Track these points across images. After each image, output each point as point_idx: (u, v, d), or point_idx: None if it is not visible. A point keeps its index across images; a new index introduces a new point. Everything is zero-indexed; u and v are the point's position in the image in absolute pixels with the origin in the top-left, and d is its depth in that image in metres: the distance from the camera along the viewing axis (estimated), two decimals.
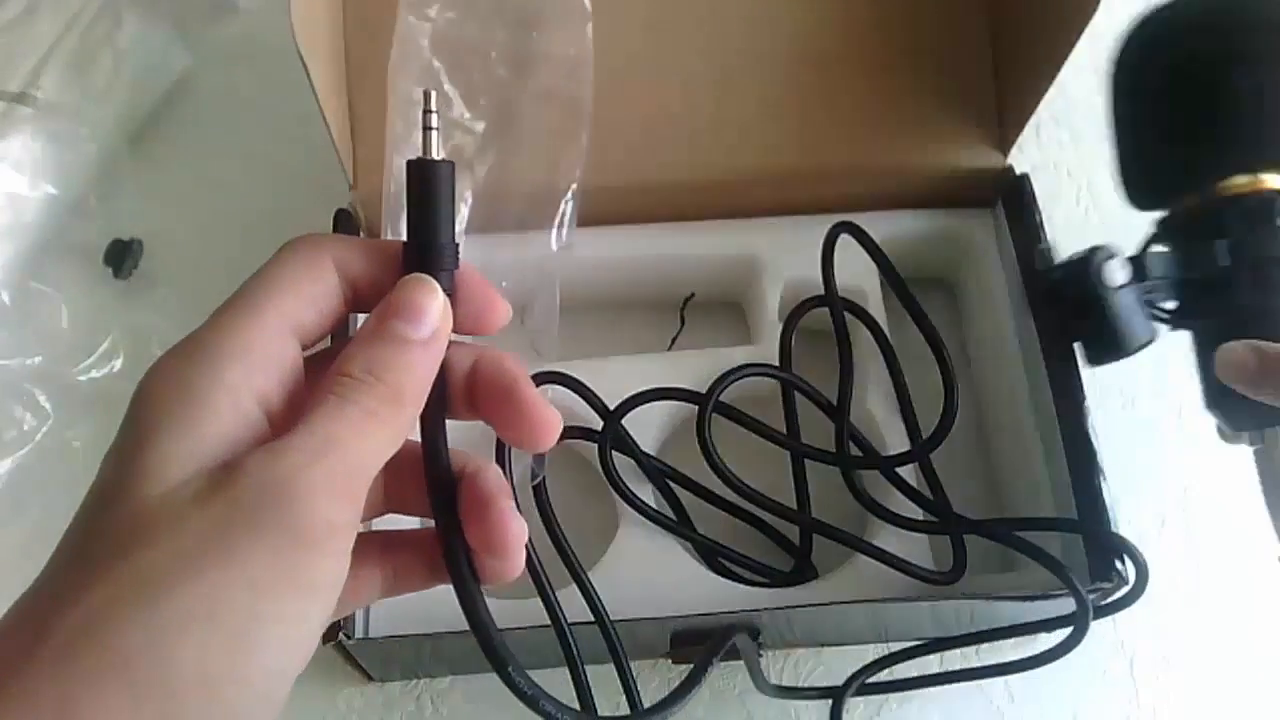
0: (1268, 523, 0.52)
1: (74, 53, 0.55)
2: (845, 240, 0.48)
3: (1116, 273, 0.41)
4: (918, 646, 0.46)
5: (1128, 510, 0.44)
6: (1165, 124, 0.43)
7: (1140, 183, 0.45)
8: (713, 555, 0.47)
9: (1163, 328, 0.44)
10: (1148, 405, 0.54)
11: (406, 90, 0.47)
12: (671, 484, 0.47)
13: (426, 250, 0.28)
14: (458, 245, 0.28)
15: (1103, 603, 0.43)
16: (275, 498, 0.23)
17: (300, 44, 0.42)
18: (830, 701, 0.46)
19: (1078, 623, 0.42)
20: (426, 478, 0.28)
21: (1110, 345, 0.43)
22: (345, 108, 0.49)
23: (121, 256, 0.56)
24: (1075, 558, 0.45)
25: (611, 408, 0.46)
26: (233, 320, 0.25)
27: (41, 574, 0.24)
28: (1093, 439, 0.45)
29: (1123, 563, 0.43)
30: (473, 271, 0.29)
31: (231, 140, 0.60)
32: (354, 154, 0.49)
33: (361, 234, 0.50)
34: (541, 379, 0.44)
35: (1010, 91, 0.51)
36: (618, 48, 0.52)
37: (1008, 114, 0.51)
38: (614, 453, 0.46)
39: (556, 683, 0.32)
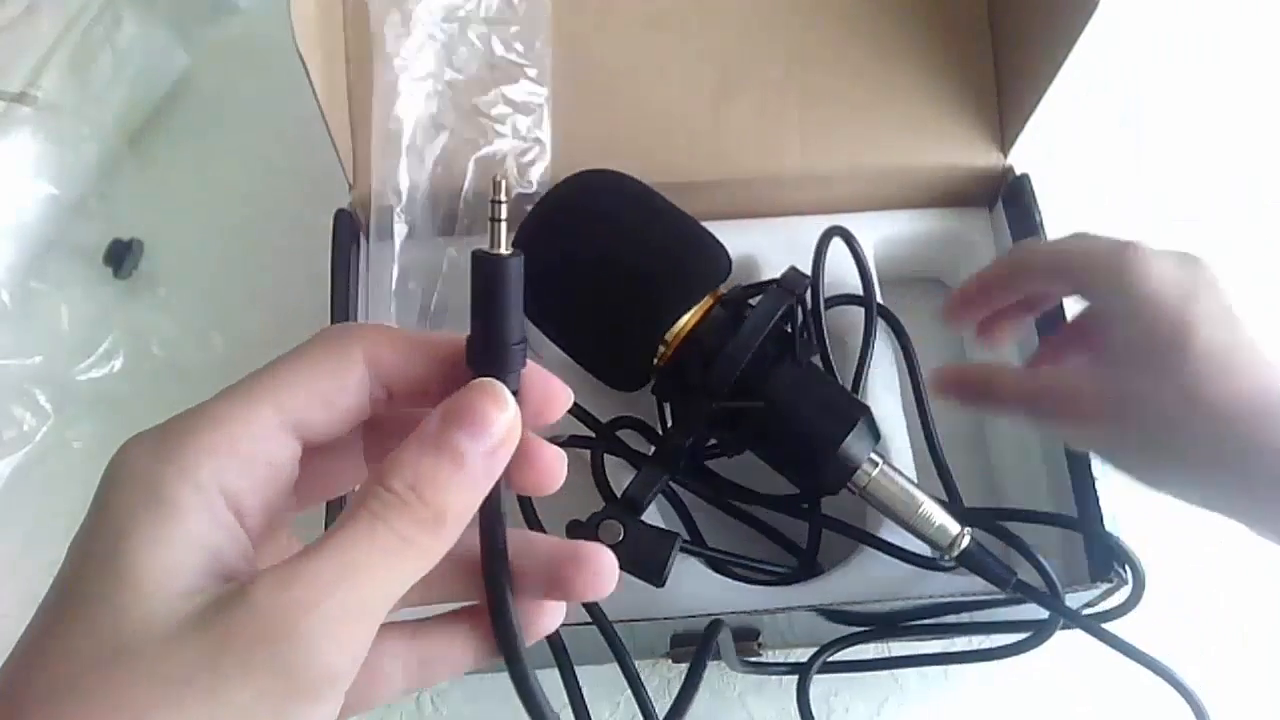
0: None
1: (74, 53, 0.55)
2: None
3: (617, 529, 0.40)
4: (868, 632, 0.46)
5: (1128, 511, 0.44)
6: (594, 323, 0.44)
7: (614, 373, 0.45)
8: (721, 564, 0.47)
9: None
10: None
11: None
12: (673, 486, 0.47)
13: (495, 351, 0.25)
14: (525, 341, 0.26)
15: (1100, 610, 0.44)
16: (274, 636, 0.21)
17: (300, 44, 0.42)
18: (797, 678, 0.46)
19: (1039, 629, 0.43)
20: (485, 571, 0.26)
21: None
22: (345, 108, 0.49)
23: (122, 256, 0.56)
24: (1075, 558, 0.45)
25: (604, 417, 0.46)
26: (220, 410, 0.23)
27: (5, 673, 0.21)
28: None
29: (1122, 568, 0.43)
30: (532, 363, 0.26)
31: (231, 140, 0.60)
32: (354, 154, 0.50)
33: (360, 233, 0.50)
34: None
35: (1010, 91, 0.51)
36: (618, 48, 0.52)
37: (1008, 114, 0.51)
38: (614, 456, 0.46)
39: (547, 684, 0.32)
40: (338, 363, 0.24)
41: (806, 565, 0.47)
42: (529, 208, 0.44)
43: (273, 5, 0.43)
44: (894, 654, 0.48)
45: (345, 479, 0.28)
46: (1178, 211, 0.59)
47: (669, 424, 0.45)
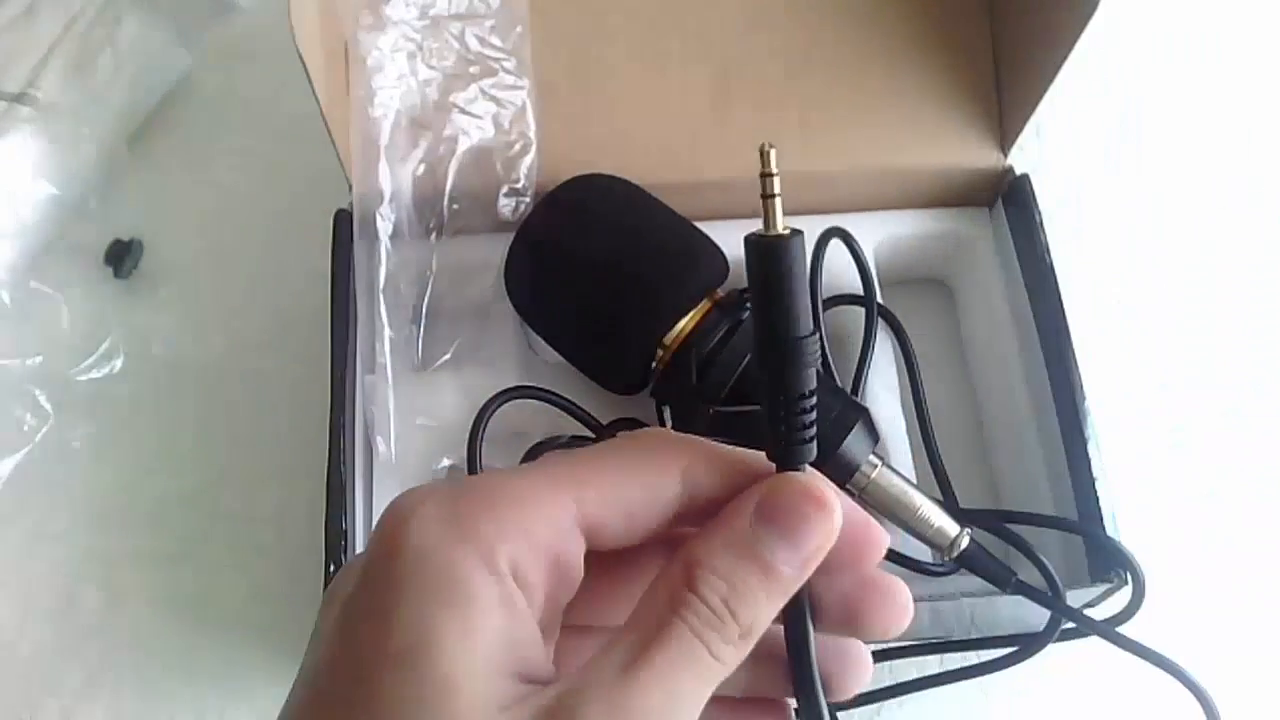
0: (1270, 523, 0.52)
1: (74, 53, 0.55)
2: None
3: None
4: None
5: (1128, 511, 0.44)
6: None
7: (613, 377, 0.45)
8: None
9: None
10: (1148, 404, 0.54)
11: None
12: None
13: (791, 433, 0.22)
14: (821, 338, 0.24)
15: (1100, 617, 0.44)
16: None
17: (300, 44, 0.42)
18: None
19: (1032, 642, 0.43)
20: (796, 682, 0.23)
21: None
22: (345, 108, 0.49)
23: (122, 256, 0.56)
24: (1075, 560, 0.45)
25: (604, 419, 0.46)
26: (519, 488, 0.21)
27: None
28: (1092, 440, 0.45)
29: (1121, 573, 0.43)
30: (839, 492, 0.22)
31: (232, 140, 0.60)
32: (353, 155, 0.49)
33: (355, 228, 0.49)
34: (521, 394, 0.44)
35: (1010, 91, 0.51)
36: (618, 48, 0.52)
37: (1008, 114, 0.51)
38: None
39: None
40: (656, 477, 0.22)
41: None
42: (519, 201, 0.44)
43: (273, 5, 0.43)
44: (895, 663, 0.48)
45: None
46: (1178, 211, 0.59)
47: (668, 426, 0.45)
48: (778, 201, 0.22)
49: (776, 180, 0.22)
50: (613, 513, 0.22)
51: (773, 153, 0.22)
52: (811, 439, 0.23)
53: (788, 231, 0.22)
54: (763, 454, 0.23)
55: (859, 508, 0.23)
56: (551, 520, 0.21)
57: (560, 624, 0.24)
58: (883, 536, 0.24)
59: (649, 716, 0.20)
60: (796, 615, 0.23)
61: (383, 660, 0.19)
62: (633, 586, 0.24)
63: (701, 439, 0.24)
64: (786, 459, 0.22)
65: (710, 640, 0.21)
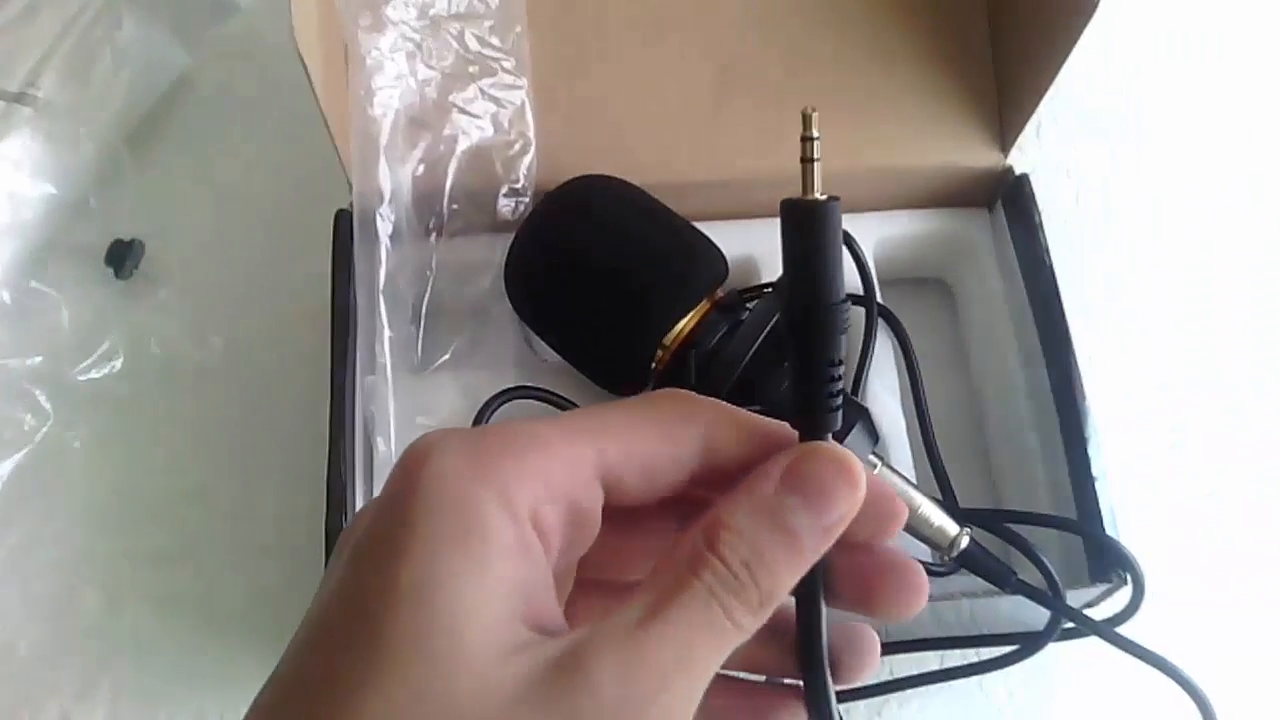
0: (1270, 523, 0.52)
1: (74, 53, 0.55)
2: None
3: None
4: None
5: (1128, 511, 0.44)
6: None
7: (612, 378, 0.45)
8: None
9: None
10: (1148, 404, 0.54)
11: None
12: None
13: (819, 400, 0.21)
14: (848, 310, 0.22)
15: (1100, 617, 0.44)
16: None
17: (300, 44, 0.42)
18: None
19: (1032, 641, 0.43)
20: (800, 655, 0.23)
21: None
22: (344, 107, 0.49)
23: (122, 257, 0.56)
24: (1075, 560, 0.45)
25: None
26: (543, 432, 0.21)
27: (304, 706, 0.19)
28: (1092, 440, 0.45)
29: (1121, 573, 0.43)
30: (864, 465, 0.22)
31: (232, 140, 0.60)
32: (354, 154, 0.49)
33: (355, 228, 0.49)
34: (521, 394, 0.44)
35: (1010, 91, 0.51)
36: (618, 47, 0.52)
37: (1008, 114, 0.51)
38: None
39: None
40: (677, 434, 0.22)
41: None
42: (518, 201, 0.44)
43: (273, 5, 0.43)
44: (896, 663, 0.48)
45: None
46: (1177, 211, 0.59)
47: None
48: (817, 166, 0.22)
49: (817, 144, 0.22)
50: (633, 467, 0.22)
51: (814, 115, 0.22)
52: (838, 408, 0.22)
53: (824, 197, 0.22)
54: (785, 423, 0.23)
55: (880, 480, 0.23)
56: (573, 469, 0.21)
57: (574, 577, 0.24)
58: (902, 509, 0.23)
59: (662, 673, 0.19)
60: (810, 589, 0.23)
61: (391, 596, 0.19)
62: (644, 545, 0.25)
63: (724, 403, 0.24)
64: (812, 427, 0.22)
65: (728, 603, 0.20)
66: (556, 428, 0.21)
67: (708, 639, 0.20)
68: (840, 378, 0.22)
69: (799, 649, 0.23)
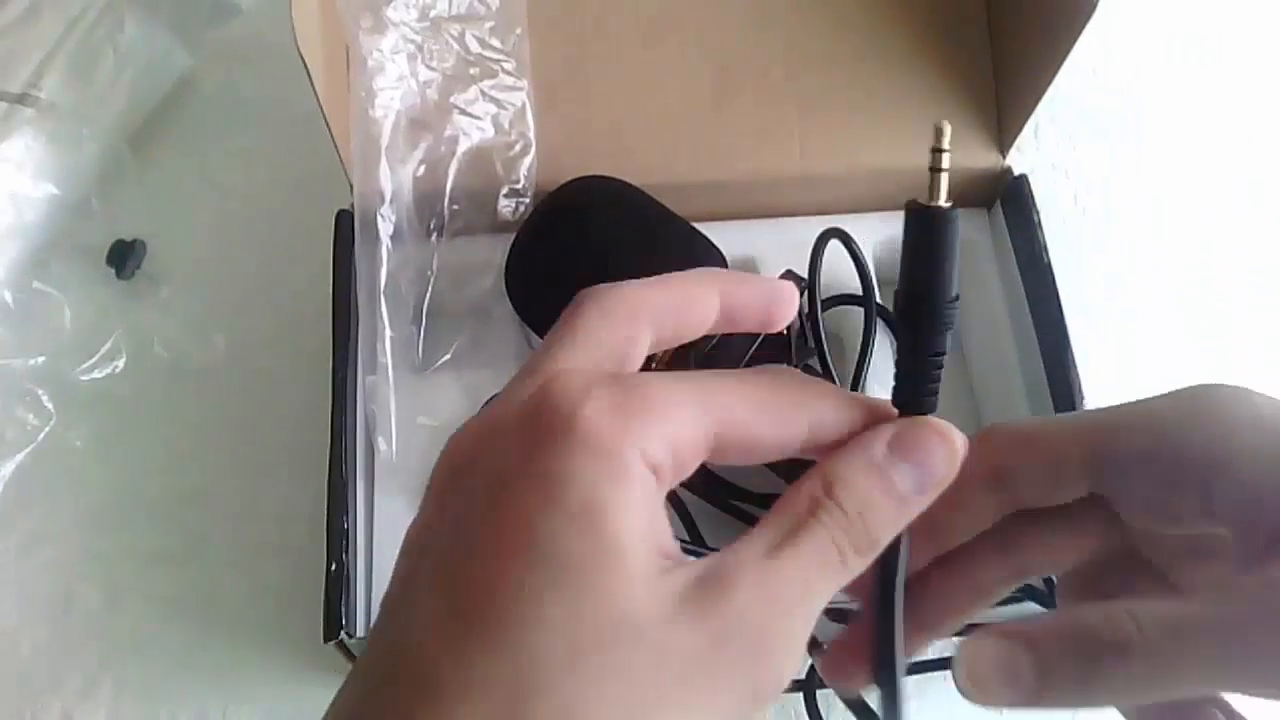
0: None
1: (75, 54, 0.55)
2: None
3: None
4: None
5: None
6: None
7: None
8: None
9: None
10: None
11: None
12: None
13: (923, 385, 0.24)
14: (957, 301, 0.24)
15: None
16: (757, 646, 0.21)
17: (300, 44, 0.42)
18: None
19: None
20: (881, 595, 0.26)
21: None
22: (346, 108, 0.49)
23: (124, 257, 0.56)
24: None
25: None
26: (677, 392, 0.23)
27: (513, 638, 0.20)
28: None
29: None
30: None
31: (232, 140, 0.60)
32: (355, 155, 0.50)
33: (356, 229, 0.50)
34: None
35: (1009, 91, 0.51)
36: (618, 48, 0.52)
37: (1007, 114, 0.51)
38: None
39: None
40: (788, 417, 0.24)
41: None
42: (518, 202, 0.44)
43: (273, 5, 0.43)
44: None
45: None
46: (1177, 211, 0.59)
47: None
48: (944, 176, 0.24)
49: (947, 156, 0.24)
50: (738, 442, 0.23)
51: (947, 128, 0.24)
52: (936, 393, 0.25)
53: (949, 204, 0.24)
54: (886, 400, 0.25)
55: (776, 282, 0.27)
56: (693, 433, 0.23)
57: None
58: (792, 293, 0.27)
59: (790, 598, 0.22)
60: (891, 560, 0.25)
61: (559, 517, 0.20)
62: None
63: (832, 385, 0.26)
64: (914, 408, 0.25)
65: (842, 544, 0.23)
66: (688, 394, 0.23)
67: (824, 573, 0.22)
68: (942, 366, 0.25)
69: (876, 616, 0.26)
